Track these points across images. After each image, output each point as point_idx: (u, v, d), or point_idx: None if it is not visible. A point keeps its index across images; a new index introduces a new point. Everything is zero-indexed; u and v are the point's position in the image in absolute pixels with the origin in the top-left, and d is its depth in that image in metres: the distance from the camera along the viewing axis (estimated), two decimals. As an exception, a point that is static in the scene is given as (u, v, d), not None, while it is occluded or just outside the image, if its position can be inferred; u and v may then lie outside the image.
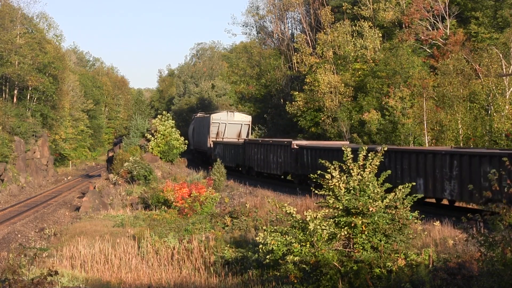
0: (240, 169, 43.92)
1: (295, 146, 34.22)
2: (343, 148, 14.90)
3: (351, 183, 14.11)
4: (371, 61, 46.45)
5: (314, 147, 32.11)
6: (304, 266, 13.49)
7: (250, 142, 41.67)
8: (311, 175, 15.93)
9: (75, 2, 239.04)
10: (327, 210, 14.17)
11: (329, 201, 14.02)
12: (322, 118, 46.72)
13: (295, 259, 13.58)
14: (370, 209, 13.57)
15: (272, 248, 14.06)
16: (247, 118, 52.31)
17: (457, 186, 21.42)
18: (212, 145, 50.85)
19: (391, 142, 37.45)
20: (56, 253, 21.99)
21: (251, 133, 56.78)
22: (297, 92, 51.43)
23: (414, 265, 13.09)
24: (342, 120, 43.63)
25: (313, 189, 16.08)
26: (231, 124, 51.28)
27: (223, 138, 50.75)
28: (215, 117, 51.91)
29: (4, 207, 39.47)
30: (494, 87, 35.41)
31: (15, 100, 59.79)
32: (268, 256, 14.37)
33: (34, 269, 13.71)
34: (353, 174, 14.21)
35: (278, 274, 15.30)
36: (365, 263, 13.10)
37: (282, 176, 37.50)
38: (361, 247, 13.61)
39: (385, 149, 16.20)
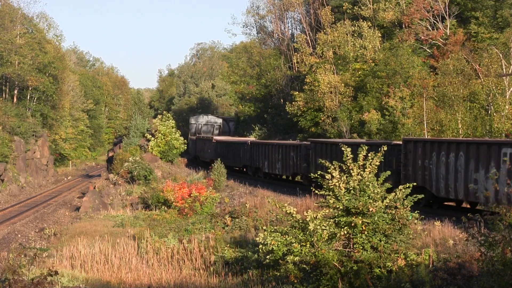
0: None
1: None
2: (342, 148, 14.89)
3: (351, 183, 14.11)
4: (371, 61, 46.43)
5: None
6: (304, 266, 13.50)
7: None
8: (312, 174, 15.93)
9: (75, 2, 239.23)
10: (327, 210, 14.17)
11: (329, 201, 14.03)
12: (322, 118, 46.70)
13: (295, 259, 13.58)
14: (370, 209, 13.58)
15: (272, 248, 14.07)
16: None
17: (281, 165, 37.45)
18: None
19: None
20: (56, 253, 22.00)
21: (251, 133, 59.02)
22: (297, 92, 51.42)
23: (414, 265, 13.10)
24: (342, 120, 43.62)
25: (313, 189, 16.09)
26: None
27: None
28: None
29: (4, 207, 39.47)
30: (494, 87, 35.40)
31: (15, 100, 59.79)
32: (268, 256, 14.37)
33: (34, 269, 13.71)
34: (353, 174, 14.22)
35: (278, 274, 15.30)
36: (365, 263, 13.11)
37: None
38: (361, 247, 13.62)
39: (385, 149, 16.19)
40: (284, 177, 39.86)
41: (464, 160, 21.78)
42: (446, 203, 25.00)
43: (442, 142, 23.53)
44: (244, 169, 46.28)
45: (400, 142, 26.14)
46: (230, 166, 45.06)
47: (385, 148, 15.31)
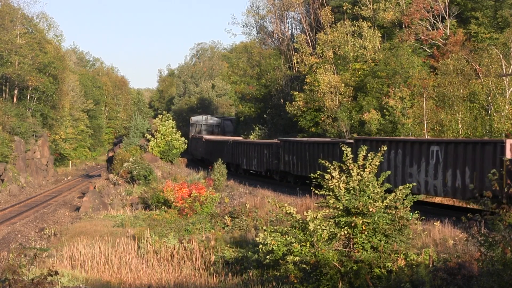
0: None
1: None
2: (342, 148, 14.90)
3: (351, 183, 14.12)
4: (371, 61, 46.44)
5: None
6: (304, 266, 13.50)
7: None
8: (311, 174, 15.93)
9: (75, 2, 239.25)
10: (327, 210, 14.17)
11: (329, 201, 14.03)
12: (322, 118, 46.70)
13: (295, 259, 13.58)
14: (370, 209, 13.58)
15: (272, 248, 14.07)
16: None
17: (256, 162, 41.64)
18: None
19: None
20: (56, 253, 21.99)
21: (251, 133, 59.49)
22: (297, 92, 51.43)
23: (414, 265, 13.09)
24: (342, 120, 43.63)
25: (313, 189, 16.09)
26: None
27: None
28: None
29: (4, 207, 39.47)
30: (494, 87, 35.39)
31: (15, 100, 59.80)
32: (268, 256, 14.38)
33: (34, 269, 13.71)
34: (353, 174, 14.22)
35: (278, 274, 15.30)
36: (365, 263, 13.11)
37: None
38: (361, 247, 13.62)
39: (385, 149, 16.21)
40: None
41: (401, 156, 24.92)
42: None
43: (385, 141, 26.38)
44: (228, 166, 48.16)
45: (352, 141, 29.01)
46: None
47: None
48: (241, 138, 55.92)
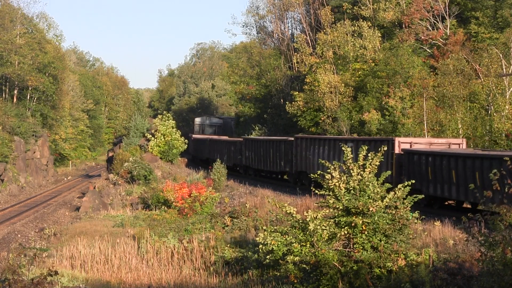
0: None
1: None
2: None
3: (351, 183, 14.12)
4: (371, 61, 46.43)
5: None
6: (304, 266, 13.50)
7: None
8: (312, 174, 15.94)
9: (75, 2, 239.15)
10: (327, 210, 14.17)
11: (329, 201, 14.03)
12: (322, 118, 46.70)
13: (295, 259, 13.58)
14: (370, 209, 13.58)
15: (272, 248, 14.07)
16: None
17: (226, 157, 46.18)
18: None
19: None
20: (56, 253, 21.98)
21: (251, 133, 59.48)
22: (297, 92, 51.41)
23: (414, 265, 13.09)
24: (342, 120, 43.62)
25: (313, 189, 16.10)
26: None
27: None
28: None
29: (4, 207, 39.46)
30: (494, 87, 35.39)
31: (15, 100, 59.77)
32: (268, 256, 14.37)
33: (34, 269, 13.71)
34: (353, 174, 14.22)
35: (278, 274, 15.30)
36: (365, 263, 13.10)
37: None
38: (361, 247, 13.62)
39: (385, 149, 16.22)
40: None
41: (327, 151, 31.48)
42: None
43: (315, 139, 33.87)
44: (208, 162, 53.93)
45: (293, 139, 35.76)
46: (201, 159, 56.23)
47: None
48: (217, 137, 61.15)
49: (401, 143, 26.44)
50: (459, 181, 21.88)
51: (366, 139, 30.37)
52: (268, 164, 39.68)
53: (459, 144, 27.57)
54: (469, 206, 23.84)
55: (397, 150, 25.92)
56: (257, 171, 42.75)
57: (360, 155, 14.66)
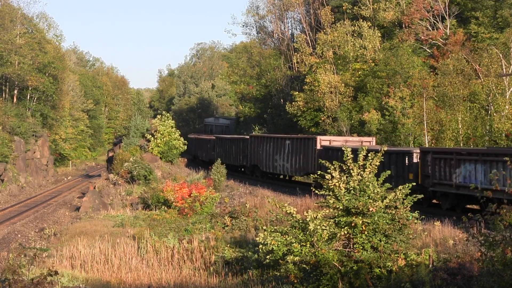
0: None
1: None
2: (343, 148, 14.92)
3: (351, 183, 14.12)
4: (371, 61, 46.43)
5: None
6: (304, 266, 13.50)
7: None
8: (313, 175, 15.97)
9: (75, 2, 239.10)
10: (327, 210, 14.17)
11: (329, 201, 14.03)
12: (322, 118, 46.71)
13: (295, 259, 13.58)
14: (370, 209, 13.58)
15: (272, 248, 14.07)
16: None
17: (204, 154, 54.78)
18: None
19: (391, 142, 37.40)
20: (56, 253, 21.98)
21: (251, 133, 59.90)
22: (297, 92, 51.43)
23: (414, 265, 13.09)
24: (342, 120, 43.62)
25: (313, 189, 16.10)
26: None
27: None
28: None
29: (4, 207, 39.46)
30: (494, 87, 35.39)
31: (15, 100, 59.75)
32: (268, 256, 14.37)
33: (34, 269, 13.71)
34: (353, 174, 14.22)
35: (278, 274, 15.30)
36: (365, 263, 13.10)
37: None
38: (361, 247, 13.62)
39: (385, 149, 16.23)
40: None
41: (272, 148, 38.09)
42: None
43: (264, 137, 40.71)
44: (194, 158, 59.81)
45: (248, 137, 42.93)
46: (194, 156, 59.80)
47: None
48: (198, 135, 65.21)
49: (322, 141, 32.98)
50: None
51: (299, 137, 37.07)
52: (231, 159, 46.21)
53: (369, 142, 33.13)
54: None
55: (318, 146, 32.57)
56: (227, 165, 44.98)
57: (360, 155, 14.69)
